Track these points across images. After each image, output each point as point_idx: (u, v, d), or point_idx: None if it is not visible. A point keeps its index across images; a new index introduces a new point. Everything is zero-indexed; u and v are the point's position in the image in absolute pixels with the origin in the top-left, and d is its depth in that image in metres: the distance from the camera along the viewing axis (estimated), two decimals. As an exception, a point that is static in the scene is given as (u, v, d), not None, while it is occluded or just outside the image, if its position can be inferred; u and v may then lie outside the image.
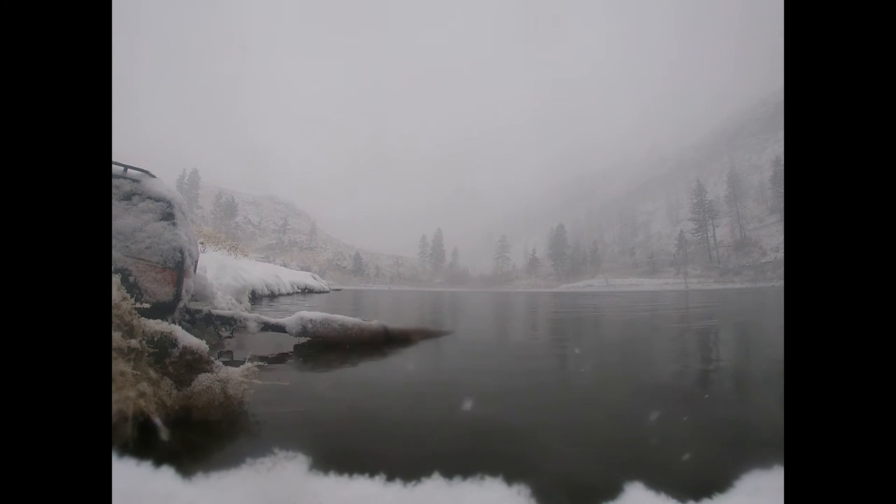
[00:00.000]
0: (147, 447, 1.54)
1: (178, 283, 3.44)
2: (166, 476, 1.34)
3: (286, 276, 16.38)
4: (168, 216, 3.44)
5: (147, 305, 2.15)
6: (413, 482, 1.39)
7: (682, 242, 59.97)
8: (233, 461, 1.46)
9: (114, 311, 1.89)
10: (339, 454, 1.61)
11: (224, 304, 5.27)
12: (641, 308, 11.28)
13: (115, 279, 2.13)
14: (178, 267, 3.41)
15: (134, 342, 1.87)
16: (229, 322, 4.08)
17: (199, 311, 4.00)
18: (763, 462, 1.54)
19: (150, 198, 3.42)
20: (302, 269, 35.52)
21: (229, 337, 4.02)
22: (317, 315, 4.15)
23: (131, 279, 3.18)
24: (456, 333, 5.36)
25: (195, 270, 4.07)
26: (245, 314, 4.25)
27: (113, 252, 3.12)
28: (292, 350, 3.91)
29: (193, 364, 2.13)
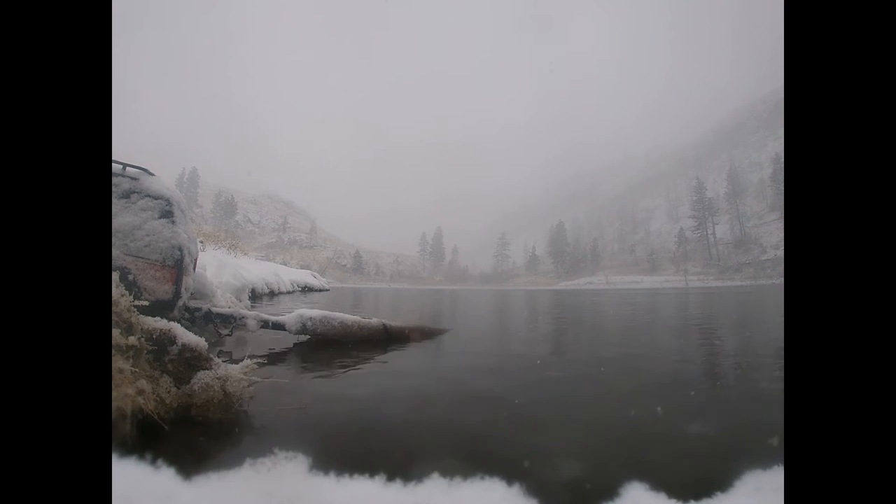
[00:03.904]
0: (146, 446, 1.54)
1: (178, 281, 3.44)
2: (166, 476, 1.34)
3: (286, 275, 16.39)
4: (167, 214, 3.44)
5: (146, 303, 2.15)
6: (413, 482, 1.39)
7: (682, 240, 59.95)
8: (232, 461, 1.46)
9: (112, 308, 1.89)
10: (338, 454, 1.61)
11: (224, 303, 5.28)
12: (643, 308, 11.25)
13: (114, 277, 2.12)
14: (177, 265, 3.41)
15: (133, 339, 1.87)
16: (229, 320, 4.08)
17: (198, 310, 4.00)
18: (762, 459, 1.54)
19: (148, 196, 3.41)
20: (302, 267, 35.48)
21: (229, 335, 4.02)
22: (316, 313, 4.16)
23: (130, 277, 3.17)
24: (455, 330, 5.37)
25: (194, 268, 4.07)
26: (245, 312, 4.25)
27: (112, 250, 3.11)
28: (292, 348, 3.91)
29: (192, 362, 2.12)
